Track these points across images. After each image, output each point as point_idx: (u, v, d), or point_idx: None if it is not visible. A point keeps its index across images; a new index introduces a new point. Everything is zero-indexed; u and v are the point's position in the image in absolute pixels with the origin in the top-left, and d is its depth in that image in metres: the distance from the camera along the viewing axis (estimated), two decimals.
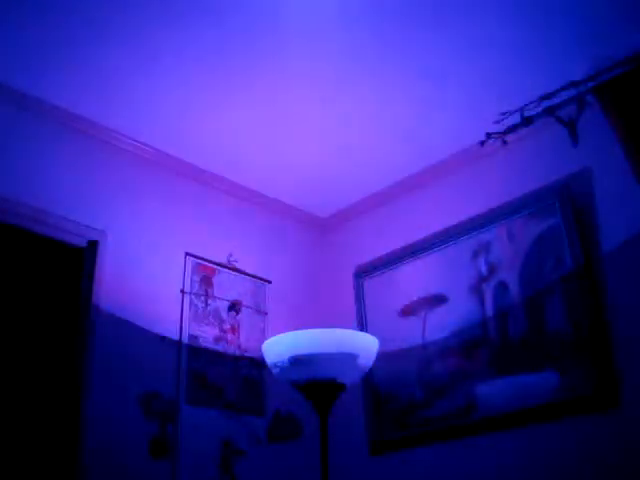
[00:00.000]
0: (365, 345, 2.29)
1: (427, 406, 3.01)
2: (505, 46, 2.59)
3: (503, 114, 2.83)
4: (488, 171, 3.12)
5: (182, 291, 3.06)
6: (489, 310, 2.91)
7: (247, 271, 3.34)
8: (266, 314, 3.35)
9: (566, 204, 2.76)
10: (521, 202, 2.93)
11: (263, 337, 3.11)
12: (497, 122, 2.85)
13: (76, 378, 2.59)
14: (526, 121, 2.84)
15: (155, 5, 2.36)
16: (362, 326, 3.33)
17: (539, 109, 2.80)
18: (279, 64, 2.66)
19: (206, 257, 3.20)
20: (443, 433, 2.91)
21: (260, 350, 2.44)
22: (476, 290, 2.98)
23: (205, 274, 3.17)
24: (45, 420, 2.50)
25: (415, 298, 3.20)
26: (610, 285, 2.58)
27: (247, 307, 3.28)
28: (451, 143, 3.16)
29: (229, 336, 3.16)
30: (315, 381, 2.21)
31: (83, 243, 2.80)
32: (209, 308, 3.13)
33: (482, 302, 2.94)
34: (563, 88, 2.72)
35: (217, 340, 3.10)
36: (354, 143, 3.15)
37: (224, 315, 3.18)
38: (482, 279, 2.98)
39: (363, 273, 3.47)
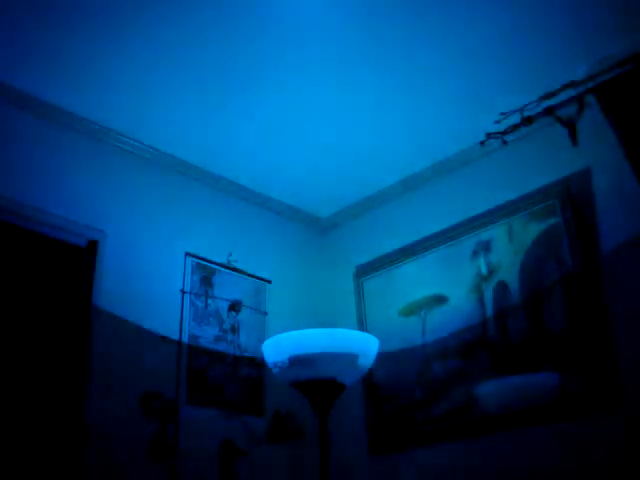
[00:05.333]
0: (365, 345, 2.30)
1: (427, 406, 3.01)
2: (505, 46, 2.59)
3: (503, 114, 2.83)
4: (488, 171, 3.12)
5: (182, 291, 3.06)
6: (489, 310, 2.91)
7: (247, 271, 3.34)
8: (266, 314, 3.35)
9: (566, 204, 2.76)
10: (521, 202, 2.93)
11: (263, 337, 3.11)
12: (497, 122, 2.85)
13: (76, 378, 2.59)
14: (526, 121, 2.84)
15: (155, 6, 2.36)
16: (362, 326, 3.33)
17: (539, 109, 2.80)
18: (279, 66, 2.66)
19: (206, 257, 3.20)
20: (443, 433, 2.91)
21: (260, 350, 2.44)
22: (476, 290, 2.98)
23: (205, 274, 3.18)
24: (45, 420, 2.49)
25: (415, 298, 3.20)
26: (610, 285, 2.58)
27: (247, 307, 3.28)
28: (451, 143, 3.16)
29: (229, 336, 3.16)
30: (315, 381, 2.21)
31: (83, 243, 2.80)
32: (209, 308, 3.13)
33: (482, 302, 2.94)
34: (563, 88, 2.72)
35: (217, 340, 3.10)
36: (354, 143, 3.15)
37: (224, 315, 3.18)
38: (482, 279, 2.98)
39: (363, 273, 3.47)
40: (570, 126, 2.80)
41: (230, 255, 3.30)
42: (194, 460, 2.81)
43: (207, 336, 3.07)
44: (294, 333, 2.25)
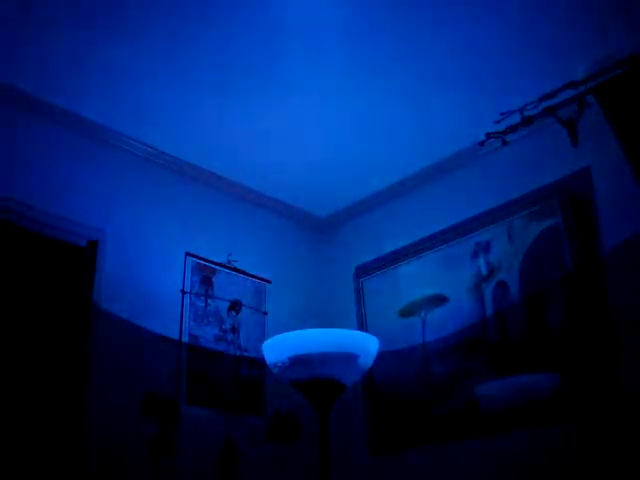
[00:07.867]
0: (365, 345, 2.29)
1: (427, 406, 3.01)
2: (505, 46, 2.59)
3: (503, 114, 2.83)
4: (488, 171, 3.12)
5: (182, 291, 3.06)
6: (489, 310, 2.91)
7: (247, 271, 3.34)
8: (266, 314, 3.35)
9: (566, 204, 2.76)
10: (521, 202, 2.93)
11: (263, 337, 3.11)
12: (497, 122, 2.85)
13: (76, 378, 2.59)
14: (526, 121, 2.84)
15: (155, 7, 2.36)
16: (362, 326, 3.33)
17: (539, 109, 2.80)
18: (280, 67, 2.66)
19: (206, 257, 3.20)
20: (443, 433, 2.91)
21: (260, 350, 2.44)
22: (476, 290, 2.98)
23: (205, 274, 3.18)
24: (45, 420, 2.49)
25: (415, 298, 3.20)
26: (610, 285, 2.58)
27: (247, 307, 3.28)
28: (451, 143, 3.15)
29: (229, 336, 3.16)
30: (315, 381, 2.20)
31: (83, 243, 2.80)
32: (209, 308, 3.13)
33: (482, 302, 2.94)
34: (563, 88, 2.72)
35: (217, 340, 3.10)
36: (354, 143, 3.15)
37: (224, 315, 3.18)
38: (482, 279, 2.98)
39: (363, 273, 3.47)
40: (570, 126, 2.80)
41: (230, 255, 3.30)
42: (194, 460, 2.81)
43: (207, 336, 3.07)
44: (294, 333, 2.25)
